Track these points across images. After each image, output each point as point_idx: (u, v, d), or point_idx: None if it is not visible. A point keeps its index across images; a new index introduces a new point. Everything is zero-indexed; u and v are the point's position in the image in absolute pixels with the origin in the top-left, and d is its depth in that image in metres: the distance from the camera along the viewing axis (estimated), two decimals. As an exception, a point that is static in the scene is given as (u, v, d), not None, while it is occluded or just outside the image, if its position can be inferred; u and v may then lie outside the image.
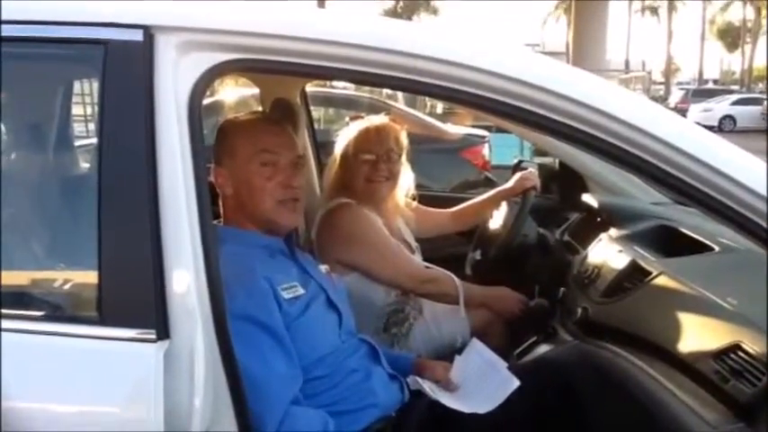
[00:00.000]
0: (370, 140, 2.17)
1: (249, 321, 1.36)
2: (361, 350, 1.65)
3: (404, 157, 2.25)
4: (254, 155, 1.54)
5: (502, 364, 1.79)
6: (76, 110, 1.64)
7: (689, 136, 1.12)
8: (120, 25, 1.14)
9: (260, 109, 2.60)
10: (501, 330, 2.34)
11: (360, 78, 1.25)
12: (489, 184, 6.09)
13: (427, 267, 2.24)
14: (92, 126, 1.37)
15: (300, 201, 1.62)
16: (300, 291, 1.52)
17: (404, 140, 2.24)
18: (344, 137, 2.23)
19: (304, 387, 1.45)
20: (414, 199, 2.40)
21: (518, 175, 2.47)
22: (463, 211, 2.56)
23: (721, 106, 26.34)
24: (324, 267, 1.73)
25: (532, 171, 2.49)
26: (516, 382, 1.70)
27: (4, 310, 1.15)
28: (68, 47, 1.20)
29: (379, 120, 2.25)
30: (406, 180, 2.31)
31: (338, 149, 2.25)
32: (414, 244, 2.36)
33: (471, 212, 2.56)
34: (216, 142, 1.59)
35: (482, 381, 1.76)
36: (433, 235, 2.52)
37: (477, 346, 1.89)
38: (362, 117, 2.32)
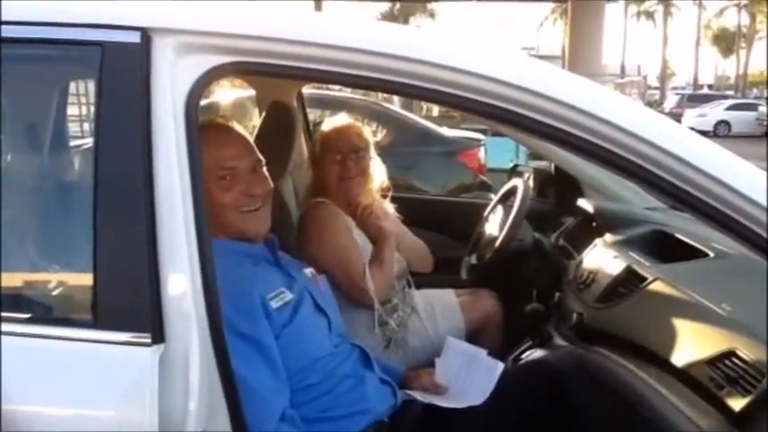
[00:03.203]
0: (333, 141, 2.20)
1: (235, 334, 1.32)
2: (353, 355, 1.64)
3: (371, 151, 2.26)
4: (213, 168, 1.48)
5: (482, 353, 1.83)
6: (73, 112, 1.63)
7: (684, 141, 1.12)
8: (118, 27, 1.14)
9: (256, 113, 2.61)
10: (496, 333, 2.35)
11: (356, 82, 1.25)
12: (485, 187, 6.11)
13: None
14: (88, 128, 1.36)
15: (265, 207, 1.58)
16: (289, 296, 1.51)
17: (367, 135, 2.26)
18: (313, 140, 2.27)
19: (298, 394, 1.45)
20: (389, 190, 2.37)
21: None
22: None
23: (716, 111, 26.42)
24: (308, 270, 1.72)
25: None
26: (501, 365, 1.72)
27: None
28: (65, 48, 1.19)
29: (339, 120, 2.29)
30: (378, 172, 2.30)
31: (309, 153, 2.31)
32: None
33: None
34: None
35: (468, 374, 1.78)
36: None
37: (452, 343, 1.92)
38: (323, 121, 2.37)
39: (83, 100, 1.58)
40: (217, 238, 1.46)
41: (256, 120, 2.65)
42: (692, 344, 1.56)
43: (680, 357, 1.55)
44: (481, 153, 6.72)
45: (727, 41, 52.36)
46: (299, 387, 1.46)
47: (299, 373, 1.47)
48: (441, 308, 2.31)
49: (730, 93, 41.02)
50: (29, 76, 1.37)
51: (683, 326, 1.64)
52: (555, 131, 1.14)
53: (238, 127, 1.62)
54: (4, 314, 1.15)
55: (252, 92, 3.04)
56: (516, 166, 3.77)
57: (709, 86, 53.97)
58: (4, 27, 1.15)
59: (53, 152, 1.50)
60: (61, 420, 1.13)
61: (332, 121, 2.29)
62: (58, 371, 1.13)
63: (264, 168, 1.60)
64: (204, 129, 1.50)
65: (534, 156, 4.30)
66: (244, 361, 1.29)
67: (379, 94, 7.09)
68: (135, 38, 1.12)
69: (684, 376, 1.51)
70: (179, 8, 1.18)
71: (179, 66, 1.14)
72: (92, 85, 1.18)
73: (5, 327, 1.13)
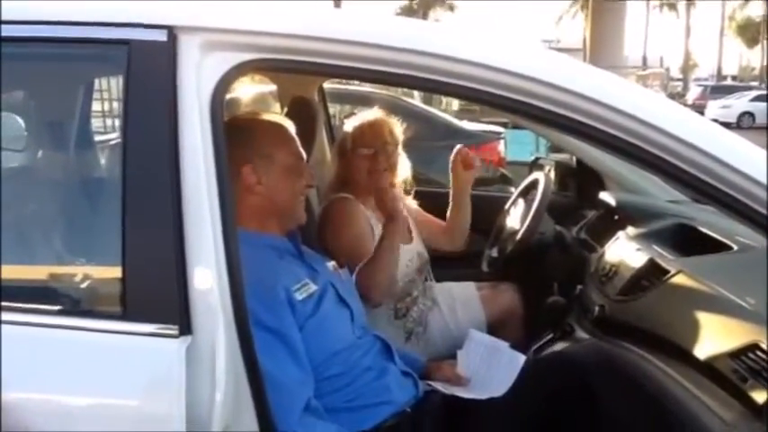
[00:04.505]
0: (366, 135, 2.20)
1: (260, 325, 1.33)
2: (375, 347, 1.66)
3: (399, 148, 2.27)
4: (294, 162, 1.61)
5: (503, 345, 1.85)
6: (102, 109, 1.66)
7: (705, 133, 1.12)
8: (144, 25, 1.15)
9: (277, 108, 2.62)
10: (517, 326, 2.36)
11: (379, 78, 1.25)
12: (505, 180, 6.09)
13: None
14: (117, 125, 1.38)
15: None
16: (313, 287, 1.54)
17: (398, 132, 2.26)
18: (342, 134, 2.27)
19: (321, 385, 1.47)
20: (412, 188, 2.38)
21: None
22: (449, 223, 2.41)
23: (740, 103, 26.04)
24: (331, 264, 1.74)
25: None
26: (522, 358, 1.75)
27: (28, 305, 1.17)
28: (93, 47, 1.21)
29: (372, 114, 2.28)
30: (404, 169, 2.31)
31: (336, 147, 2.31)
32: (414, 230, 2.34)
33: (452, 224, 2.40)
34: (240, 140, 1.53)
35: (490, 366, 1.80)
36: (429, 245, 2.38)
37: (474, 335, 1.93)
38: (355, 114, 2.35)
39: (110, 97, 1.61)
40: (244, 229, 1.47)
41: (278, 115, 2.67)
42: (715, 337, 1.56)
43: (703, 350, 1.55)
44: (501, 146, 6.70)
45: (751, 31, 51.47)
46: (322, 378, 1.48)
47: (323, 364, 1.49)
48: (461, 301, 2.32)
49: (755, 84, 40.39)
50: (57, 74, 1.39)
51: (706, 319, 1.63)
52: (575, 124, 1.14)
53: None
54: (34, 306, 1.17)
55: (273, 87, 3.06)
56: (537, 159, 3.76)
57: (733, 77, 53.18)
58: (31, 26, 1.17)
59: (83, 149, 1.53)
60: (88, 411, 1.16)
61: (365, 116, 2.28)
62: (86, 362, 1.16)
63: None
64: (280, 127, 1.65)
65: (555, 148, 4.28)
66: (269, 352, 1.31)
67: (400, 89, 7.09)
68: (162, 36, 1.14)
69: (707, 369, 1.51)
70: (205, 6, 1.20)
71: (205, 63, 1.15)
72: (119, 83, 1.20)
73: (35, 318, 1.16)
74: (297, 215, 1.65)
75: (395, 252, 2.03)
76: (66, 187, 1.45)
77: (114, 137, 1.29)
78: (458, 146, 2.28)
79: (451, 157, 2.27)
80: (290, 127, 1.66)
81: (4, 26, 1.15)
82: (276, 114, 1.78)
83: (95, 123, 1.72)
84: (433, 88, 1.21)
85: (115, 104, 1.52)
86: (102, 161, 1.63)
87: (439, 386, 1.71)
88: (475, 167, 2.27)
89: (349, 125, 2.26)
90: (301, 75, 2.35)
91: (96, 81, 1.66)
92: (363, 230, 2.13)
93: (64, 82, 1.48)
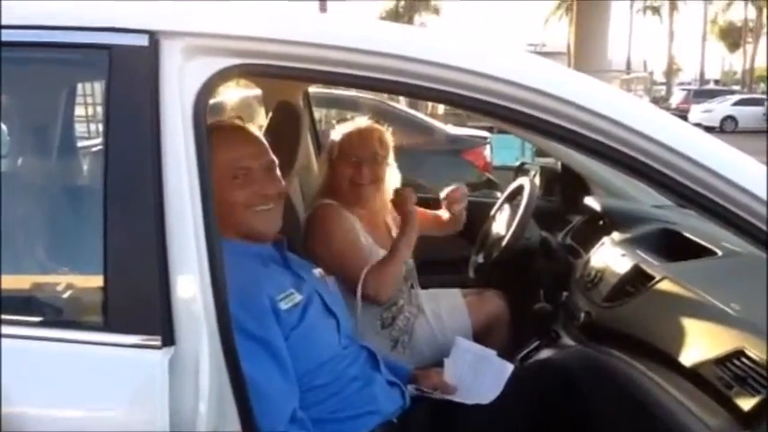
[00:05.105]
0: (354, 144, 2.17)
1: (245, 335, 1.31)
2: (362, 357, 1.64)
3: (390, 158, 2.24)
4: (228, 168, 1.49)
5: (491, 353, 1.84)
6: (83, 115, 1.64)
7: (688, 138, 1.12)
8: (126, 30, 1.14)
9: (262, 112, 2.60)
10: (503, 332, 2.35)
11: (363, 83, 1.24)
12: (491, 185, 6.10)
13: None
14: (98, 131, 1.36)
15: (277, 207, 1.58)
16: (298, 297, 1.51)
17: (388, 141, 2.24)
18: (330, 140, 2.25)
19: (306, 396, 1.45)
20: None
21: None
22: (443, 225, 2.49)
23: (723, 107, 26.33)
24: (317, 271, 1.72)
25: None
26: (510, 367, 1.75)
27: (10, 316, 1.14)
28: (74, 51, 1.19)
29: (363, 123, 2.25)
30: (394, 179, 2.29)
31: (325, 153, 2.28)
32: None
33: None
34: None
35: (477, 374, 1.80)
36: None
37: (461, 343, 1.93)
38: (348, 119, 2.33)
39: (92, 102, 1.59)
40: (226, 239, 1.45)
41: (262, 119, 2.65)
42: (701, 343, 1.56)
43: (688, 356, 1.55)
44: (487, 151, 6.71)
45: (733, 36, 52.03)
46: (308, 388, 1.47)
47: (308, 374, 1.47)
48: (447, 308, 2.31)
49: (737, 88, 40.84)
50: (38, 79, 1.37)
51: (691, 325, 1.64)
52: (559, 129, 1.14)
53: (253, 128, 1.63)
54: (15, 317, 1.15)
55: (258, 91, 3.04)
56: (523, 164, 3.77)
57: (716, 81, 53.77)
58: (12, 31, 1.15)
59: (63, 155, 1.51)
60: (72, 423, 1.14)
61: (355, 123, 2.25)
62: (69, 374, 1.14)
63: (278, 169, 1.60)
64: (219, 129, 1.54)
65: (540, 153, 4.29)
66: (253, 363, 1.29)
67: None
68: (143, 41, 1.13)
69: (693, 375, 1.51)
70: (186, 11, 1.18)
71: (187, 68, 1.14)
72: (101, 88, 1.19)
73: (17, 330, 1.14)
74: (252, 228, 1.55)
75: (410, 250, 2.13)
76: (47, 194, 1.43)
77: (96, 143, 1.27)
78: (446, 191, 2.41)
79: (444, 206, 2.41)
80: (244, 130, 1.57)
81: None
82: (232, 118, 1.70)
83: (77, 129, 1.69)
84: (417, 94, 1.20)
85: (97, 110, 1.50)
86: (84, 168, 1.60)
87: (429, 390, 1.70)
88: (463, 198, 2.40)
89: (338, 132, 2.23)
90: (286, 80, 2.33)
91: (78, 86, 1.63)
92: (349, 238, 2.11)
93: (44, 87, 1.46)
